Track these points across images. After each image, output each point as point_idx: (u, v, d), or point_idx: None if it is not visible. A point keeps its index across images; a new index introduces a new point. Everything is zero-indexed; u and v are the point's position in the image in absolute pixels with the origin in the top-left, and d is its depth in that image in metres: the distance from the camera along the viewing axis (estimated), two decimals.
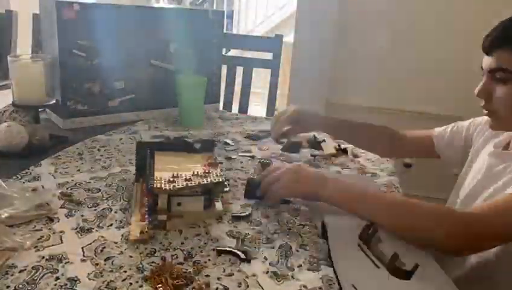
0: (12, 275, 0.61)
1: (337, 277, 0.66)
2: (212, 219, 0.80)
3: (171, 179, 0.79)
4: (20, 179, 0.91)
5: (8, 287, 0.59)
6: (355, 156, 1.19)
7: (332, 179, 0.83)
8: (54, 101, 1.19)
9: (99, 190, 0.89)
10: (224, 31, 1.62)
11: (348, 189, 0.81)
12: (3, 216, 0.73)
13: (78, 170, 0.98)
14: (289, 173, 0.83)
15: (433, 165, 1.21)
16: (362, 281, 0.64)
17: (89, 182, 0.92)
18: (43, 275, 0.62)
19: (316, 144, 1.24)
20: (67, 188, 0.88)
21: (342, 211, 0.80)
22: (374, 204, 0.78)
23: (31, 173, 0.94)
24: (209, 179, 0.81)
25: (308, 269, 0.68)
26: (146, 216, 0.77)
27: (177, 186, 0.77)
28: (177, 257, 0.68)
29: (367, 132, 1.15)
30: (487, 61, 0.81)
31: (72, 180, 0.92)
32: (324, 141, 1.26)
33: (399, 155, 1.19)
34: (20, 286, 0.60)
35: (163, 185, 0.77)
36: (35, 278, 0.61)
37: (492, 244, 0.75)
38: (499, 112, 0.82)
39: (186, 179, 0.80)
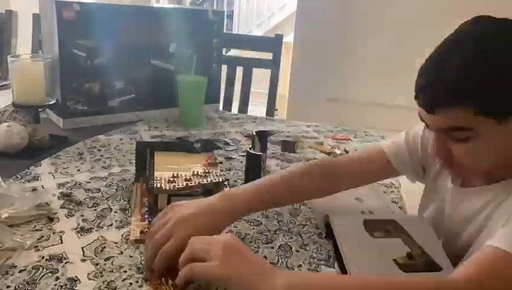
0: (12, 275, 0.61)
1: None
2: None
3: (171, 179, 0.79)
4: (20, 179, 0.91)
5: (8, 287, 0.59)
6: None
7: (282, 273, 0.61)
8: (54, 101, 1.19)
9: (99, 190, 0.89)
10: (224, 31, 1.62)
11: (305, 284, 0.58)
12: (3, 216, 0.73)
13: (78, 170, 0.98)
14: (221, 247, 0.58)
15: None
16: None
17: (89, 182, 0.92)
18: (43, 275, 0.62)
19: (288, 147, 1.21)
20: (67, 188, 0.89)
21: (346, 209, 0.79)
22: None
23: (31, 173, 0.94)
24: (209, 179, 0.81)
25: (308, 269, 0.68)
26: (146, 216, 0.77)
27: (177, 186, 0.77)
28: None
29: (290, 186, 0.81)
30: (432, 119, 0.67)
31: (72, 180, 0.92)
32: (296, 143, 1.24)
33: (344, 188, 0.87)
34: (20, 285, 0.60)
35: (163, 185, 0.77)
36: (36, 278, 0.61)
37: None
38: (464, 168, 0.71)
39: (186, 179, 0.80)
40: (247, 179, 0.94)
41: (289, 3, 5.01)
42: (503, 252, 0.59)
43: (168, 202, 0.78)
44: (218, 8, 5.66)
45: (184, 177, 0.81)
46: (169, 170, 0.83)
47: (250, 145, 0.95)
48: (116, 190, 0.90)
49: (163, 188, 0.77)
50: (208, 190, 0.81)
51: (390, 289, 0.58)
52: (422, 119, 0.70)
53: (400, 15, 2.08)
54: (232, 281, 0.57)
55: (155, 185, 0.77)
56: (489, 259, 0.60)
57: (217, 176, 0.83)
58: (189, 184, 0.79)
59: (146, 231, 0.73)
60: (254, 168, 0.94)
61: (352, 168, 0.88)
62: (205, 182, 0.80)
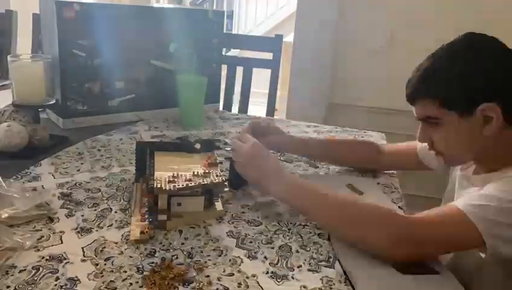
0: (12, 275, 0.62)
1: (345, 273, 0.66)
2: (212, 219, 0.80)
3: (171, 179, 0.79)
4: (20, 179, 0.91)
5: (8, 287, 0.59)
6: None
7: (287, 175, 0.83)
8: (54, 101, 1.19)
9: (99, 190, 0.89)
10: (224, 31, 1.62)
11: (299, 186, 0.81)
12: (3, 216, 0.73)
13: (78, 170, 0.98)
14: (246, 154, 0.84)
15: None
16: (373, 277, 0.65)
17: (89, 182, 0.92)
18: (43, 275, 0.62)
19: None
20: (67, 188, 0.88)
21: None
22: (323, 204, 0.77)
23: (31, 173, 0.94)
24: (209, 179, 0.81)
25: (308, 270, 0.68)
26: (146, 216, 0.77)
27: (177, 187, 0.77)
28: (177, 257, 0.68)
29: (341, 147, 1.10)
30: (415, 110, 0.83)
31: (72, 180, 0.92)
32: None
33: (379, 168, 1.09)
34: (20, 286, 0.60)
35: (163, 185, 0.77)
36: (36, 278, 0.61)
37: (432, 253, 0.73)
38: (443, 152, 0.83)
39: (186, 179, 0.80)
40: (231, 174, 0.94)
41: (289, 3, 5.00)
42: (456, 208, 0.70)
43: (168, 203, 0.78)
44: (218, 8, 5.65)
45: (184, 178, 0.81)
46: (169, 170, 0.83)
47: None
48: (116, 189, 0.90)
49: (163, 188, 0.77)
50: (208, 190, 0.81)
51: (350, 210, 0.75)
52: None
53: (400, 15, 2.08)
54: (250, 181, 0.86)
55: (155, 185, 0.77)
56: (442, 211, 0.72)
57: (217, 176, 0.83)
58: (190, 184, 0.79)
59: (146, 231, 0.73)
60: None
61: (390, 155, 1.08)
62: (205, 182, 0.80)
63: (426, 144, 0.91)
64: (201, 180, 0.80)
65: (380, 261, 0.69)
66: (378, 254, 0.70)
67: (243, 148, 0.84)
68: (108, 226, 0.76)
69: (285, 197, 0.82)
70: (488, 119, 0.75)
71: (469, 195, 0.74)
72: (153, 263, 0.66)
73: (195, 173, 0.83)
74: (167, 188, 0.77)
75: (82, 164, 1.02)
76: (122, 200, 0.86)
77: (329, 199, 0.77)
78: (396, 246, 0.69)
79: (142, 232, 0.73)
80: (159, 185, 0.77)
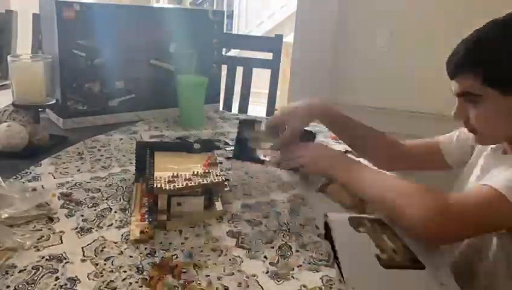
0: (12, 275, 0.61)
1: (341, 274, 0.66)
2: (212, 218, 0.80)
3: (171, 179, 0.79)
4: (20, 179, 0.91)
5: (8, 287, 0.59)
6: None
7: (351, 160, 0.91)
8: (54, 101, 1.19)
9: (99, 190, 0.89)
10: (224, 31, 1.62)
11: (360, 168, 0.87)
12: (3, 216, 0.73)
13: (78, 170, 0.98)
14: (311, 152, 0.93)
15: None
16: (367, 280, 0.65)
17: (89, 182, 0.92)
18: (43, 275, 0.62)
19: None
20: (67, 188, 0.88)
21: (344, 210, 0.81)
22: (378, 179, 0.83)
23: (31, 173, 0.94)
24: (209, 179, 0.81)
25: (308, 269, 0.68)
26: (146, 216, 0.77)
27: (177, 186, 0.77)
28: (177, 257, 0.68)
29: (368, 137, 1.09)
30: (454, 85, 0.82)
31: (72, 180, 0.92)
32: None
33: (399, 168, 1.09)
34: (20, 285, 0.60)
35: (163, 185, 0.77)
36: (35, 278, 0.61)
37: (465, 232, 0.74)
38: (481, 133, 0.83)
39: (186, 179, 0.80)
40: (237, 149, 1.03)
41: (289, 3, 5.01)
42: (493, 190, 0.69)
43: (168, 203, 0.78)
44: (218, 8, 5.65)
45: (184, 177, 0.81)
46: (169, 170, 0.83)
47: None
48: (116, 190, 0.90)
49: (163, 188, 0.77)
50: (208, 190, 0.81)
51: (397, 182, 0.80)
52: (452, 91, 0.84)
53: (400, 15, 2.08)
54: (320, 172, 0.93)
55: (155, 185, 0.77)
56: (478, 192, 0.72)
57: (216, 176, 0.83)
58: (189, 184, 0.79)
59: (146, 231, 0.73)
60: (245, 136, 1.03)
61: (411, 152, 1.09)
62: (205, 182, 0.80)
63: (450, 138, 0.97)
64: (201, 180, 0.80)
65: (375, 265, 0.69)
66: (412, 227, 0.71)
67: (306, 149, 0.93)
68: (108, 226, 0.76)
69: (349, 181, 0.86)
70: None
71: (504, 175, 0.73)
72: (153, 263, 0.66)
73: (195, 173, 0.83)
74: (167, 187, 0.77)
75: (82, 164, 1.02)
76: (122, 200, 0.86)
77: (382, 174, 0.86)
78: (432, 219, 0.69)
79: (142, 232, 0.73)
80: (159, 185, 0.77)
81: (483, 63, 0.76)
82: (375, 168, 1.04)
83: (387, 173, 0.95)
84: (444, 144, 1.03)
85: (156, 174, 0.81)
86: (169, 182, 0.79)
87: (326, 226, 0.78)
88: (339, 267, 0.68)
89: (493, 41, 0.76)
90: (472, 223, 0.71)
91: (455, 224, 0.70)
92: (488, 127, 0.81)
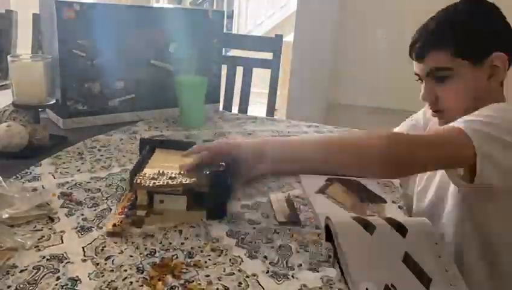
0: (13, 275, 0.62)
1: (343, 275, 0.66)
2: (196, 220, 0.79)
3: (154, 176, 0.79)
4: (20, 179, 0.91)
5: (9, 287, 0.59)
6: None
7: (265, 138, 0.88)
8: (54, 101, 1.19)
9: (99, 190, 0.89)
10: (224, 31, 1.62)
11: (285, 142, 0.86)
12: (4, 216, 0.73)
13: (78, 170, 0.98)
14: (219, 144, 0.90)
15: None
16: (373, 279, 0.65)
17: (89, 182, 0.92)
18: (44, 275, 0.62)
19: None
20: (67, 188, 0.89)
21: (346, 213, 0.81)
22: (317, 144, 0.83)
23: (31, 173, 0.94)
24: (192, 180, 0.79)
25: (308, 269, 0.68)
26: (125, 210, 0.78)
27: (157, 184, 0.77)
28: (177, 257, 0.68)
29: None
30: (421, 66, 0.84)
31: (72, 180, 0.92)
32: None
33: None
34: (21, 285, 0.60)
35: (143, 182, 0.77)
36: (36, 278, 0.61)
37: (423, 157, 0.74)
38: (448, 110, 0.85)
39: (170, 177, 0.80)
40: None
41: (289, 3, 5.01)
42: (451, 126, 0.73)
43: (151, 199, 0.78)
44: (218, 8, 5.65)
45: (169, 176, 0.80)
46: (161, 167, 0.83)
47: None
48: (116, 189, 0.90)
49: (142, 184, 0.76)
50: (189, 190, 0.78)
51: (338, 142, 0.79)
52: (416, 74, 0.87)
53: (400, 15, 2.08)
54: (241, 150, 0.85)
55: (135, 181, 0.77)
56: (449, 129, 0.75)
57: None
58: (170, 182, 0.78)
59: (118, 225, 0.73)
60: None
61: None
62: (188, 181, 0.79)
63: (401, 129, 0.98)
64: (184, 180, 0.79)
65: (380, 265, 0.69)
66: (373, 158, 0.73)
67: (211, 144, 0.88)
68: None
69: (284, 157, 0.84)
70: (495, 70, 0.79)
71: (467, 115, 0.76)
72: (153, 263, 0.67)
73: (183, 172, 0.82)
74: (147, 184, 0.77)
75: (82, 164, 1.02)
76: (121, 200, 0.86)
77: (326, 138, 0.84)
78: (388, 144, 0.71)
79: (114, 225, 0.73)
80: (139, 181, 0.77)
81: (453, 36, 0.80)
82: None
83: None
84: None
85: (145, 170, 0.82)
86: (152, 178, 0.78)
87: (327, 228, 0.78)
88: (340, 269, 0.68)
89: (462, 13, 0.82)
90: (428, 146, 0.73)
91: (411, 147, 0.72)
92: (457, 101, 0.83)
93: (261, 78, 1.91)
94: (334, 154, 0.78)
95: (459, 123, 0.73)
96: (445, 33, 0.82)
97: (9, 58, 1.14)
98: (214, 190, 0.79)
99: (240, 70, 1.84)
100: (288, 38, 2.34)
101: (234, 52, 2.45)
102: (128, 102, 1.36)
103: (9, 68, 1.14)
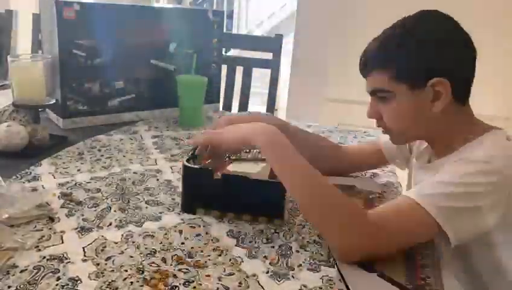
0: (13, 275, 0.62)
1: (341, 275, 0.66)
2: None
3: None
4: (20, 179, 0.92)
5: (9, 287, 0.59)
6: None
7: (273, 131, 0.77)
8: (54, 101, 1.19)
9: (99, 190, 0.89)
10: (224, 31, 1.62)
11: (283, 148, 0.75)
12: (4, 216, 0.73)
13: (79, 170, 0.98)
14: (224, 122, 0.87)
15: None
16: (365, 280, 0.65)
17: (89, 182, 0.92)
18: (45, 275, 0.62)
19: None
20: (67, 188, 0.89)
21: None
22: (299, 176, 0.74)
23: (31, 173, 0.94)
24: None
25: (308, 269, 0.68)
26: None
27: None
28: (177, 257, 0.68)
29: (309, 144, 0.98)
30: (367, 84, 0.84)
31: (72, 180, 0.92)
32: None
33: (343, 170, 1.03)
34: (22, 286, 0.60)
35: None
36: (37, 278, 0.61)
37: (389, 246, 0.70)
38: (392, 129, 0.84)
39: None
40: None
41: (289, 3, 5.01)
42: (408, 199, 0.70)
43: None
44: (218, 8, 5.65)
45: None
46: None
47: None
48: (116, 188, 0.90)
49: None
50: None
51: (318, 191, 0.72)
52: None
53: (400, 15, 2.08)
54: (235, 142, 0.80)
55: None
56: (396, 203, 0.72)
57: None
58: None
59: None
60: None
61: (354, 154, 1.06)
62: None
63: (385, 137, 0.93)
64: None
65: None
66: (333, 247, 0.71)
67: (218, 121, 0.89)
68: (108, 226, 0.76)
69: (270, 158, 0.77)
70: (438, 95, 0.76)
71: (422, 183, 0.73)
72: (153, 263, 0.67)
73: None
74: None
75: (82, 164, 1.02)
76: (121, 200, 0.86)
77: (310, 177, 0.73)
78: (350, 236, 0.68)
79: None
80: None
81: (389, 58, 0.78)
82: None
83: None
84: (386, 143, 0.98)
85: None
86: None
87: None
88: (339, 270, 0.68)
89: (396, 38, 0.79)
90: (392, 233, 0.68)
91: (374, 236, 0.68)
92: (400, 123, 0.82)
93: (261, 78, 1.91)
94: (313, 206, 0.72)
95: (417, 196, 0.69)
96: (386, 55, 0.79)
97: (9, 58, 1.14)
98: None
99: (240, 70, 1.84)
100: (288, 38, 2.34)
101: (234, 52, 2.45)
102: (128, 102, 1.36)
103: (9, 68, 1.14)
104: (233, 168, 0.82)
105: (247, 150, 0.92)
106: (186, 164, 0.82)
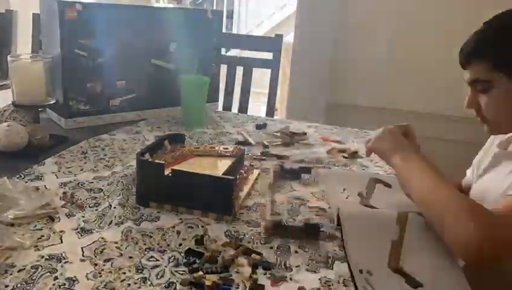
0: (11, 274, 0.62)
1: (349, 266, 0.67)
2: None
3: None
4: (23, 178, 0.91)
5: (6, 286, 0.59)
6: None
7: (414, 156, 0.83)
8: (54, 101, 1.19)
9: (101, 190, 0.89)
10: (224, 31, 1.62)
11: (413, 171, 0.81)
12: (10, 217, 0.73)
13: (81, 169, 0.98)
14: (387, 131, 0.90)
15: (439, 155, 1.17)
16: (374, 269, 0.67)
17: (92, 182, 0.92)
18: (42, 274, 0.62)
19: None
20: (69, 188, 0.89)
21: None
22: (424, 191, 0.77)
23: (34, 173, 0.94)
24: None
25: (307, 270, 0.68)
26: None
27: None
28: (174, 258, 0.68)
29: None
30: (466, 74, 0.85)
31: (75, 180, 0.93)
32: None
33: None
34: (19, 285, 0.60)
35: None
36: (34, 278, 0.61)
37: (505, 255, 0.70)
38: (490, 119, 0.85)
39: None
40: None
41: (289, 3, 5.01)
42: None
43: None
44: (218, 8, 5.65)
45: None
46: None
47: None
48: (117, 185, 0.90)
49: None
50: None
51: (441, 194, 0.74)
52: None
53: (400, 15, 2.08)
54: (379, 152, 0.90)
55: None
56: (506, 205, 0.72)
57: None
58: None
59: None
60: None
61: None
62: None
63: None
64: None
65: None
66: (456, 248, 0.70)
67: (386, 128, 0.91)
68: (108, 225, 0.76)
69: (400, 178, 0.84)
70: None
71: None
72: (154, 262, 0.66)
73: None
74: None
75: (85, 163, 1.02)
76: (121, 195, 0.86)
77: (433, 180, 0.76)
78: (481, 243, 0.66)
79: None
80: None
81: (489, 48, 0.81)
82: None
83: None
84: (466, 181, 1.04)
85: None
86: None
87: (338, 218, 0.79)
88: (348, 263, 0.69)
89: (496, 30, 0.81)
90: None
91: (498, 250, 0.68)
92: (499, 114, 0.84)
93: (261, 78, 1.91)
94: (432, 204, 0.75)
95: None
96: (487, 45, 0.82)
97: (9, 58, 1.14)
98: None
99: (240, 70, 1.84)
100: (288, 38, 2.34)
101: (234, 52, 2.45)
102: (129, 101, 1.36)
103: (9, 68, 1.14)
104: (192, 162, 0.83)
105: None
106: (141, 157, 0.83)
